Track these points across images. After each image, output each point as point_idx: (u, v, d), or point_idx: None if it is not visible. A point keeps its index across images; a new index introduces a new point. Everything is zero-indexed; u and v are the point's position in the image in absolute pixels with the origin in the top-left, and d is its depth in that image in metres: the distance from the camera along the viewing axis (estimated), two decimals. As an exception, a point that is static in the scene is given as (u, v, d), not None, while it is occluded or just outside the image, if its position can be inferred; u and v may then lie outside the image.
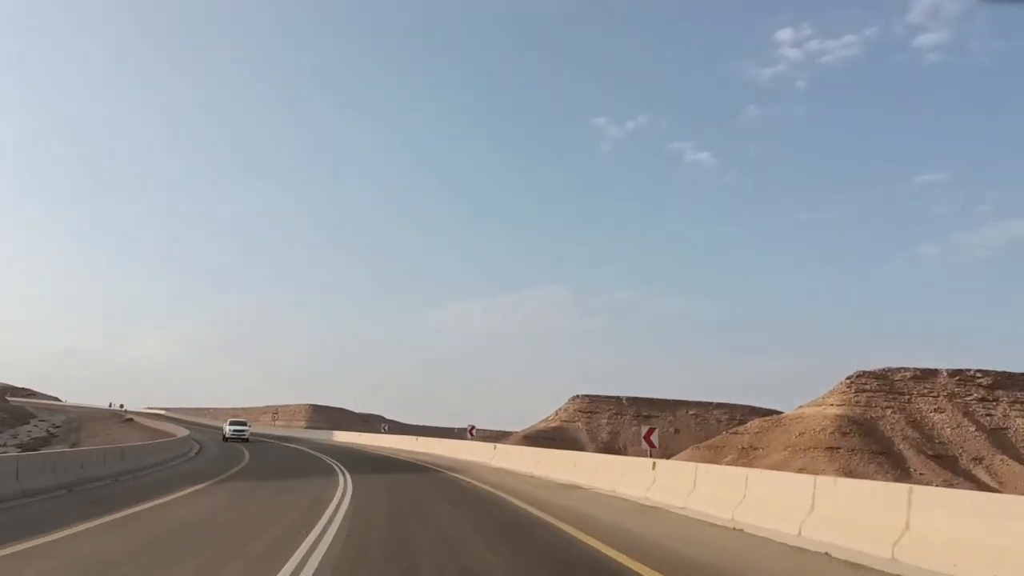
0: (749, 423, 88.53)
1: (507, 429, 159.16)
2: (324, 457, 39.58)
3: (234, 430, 60.12)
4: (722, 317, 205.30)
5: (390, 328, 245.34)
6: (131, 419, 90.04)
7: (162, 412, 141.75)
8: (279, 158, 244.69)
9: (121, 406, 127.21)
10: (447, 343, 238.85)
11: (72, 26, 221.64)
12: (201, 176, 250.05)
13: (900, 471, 69.37)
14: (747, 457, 77.55)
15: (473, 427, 55.80)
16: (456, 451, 47.39)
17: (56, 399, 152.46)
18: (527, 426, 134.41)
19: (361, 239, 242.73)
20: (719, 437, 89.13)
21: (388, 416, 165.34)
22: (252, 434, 66.75)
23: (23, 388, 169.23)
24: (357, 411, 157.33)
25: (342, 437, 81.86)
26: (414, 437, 65.59)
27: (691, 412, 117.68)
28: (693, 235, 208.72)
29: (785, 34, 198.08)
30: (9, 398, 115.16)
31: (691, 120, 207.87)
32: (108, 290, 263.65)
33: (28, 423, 74.80)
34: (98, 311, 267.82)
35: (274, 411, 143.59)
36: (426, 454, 49.90)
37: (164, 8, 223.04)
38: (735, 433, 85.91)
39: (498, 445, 44.89)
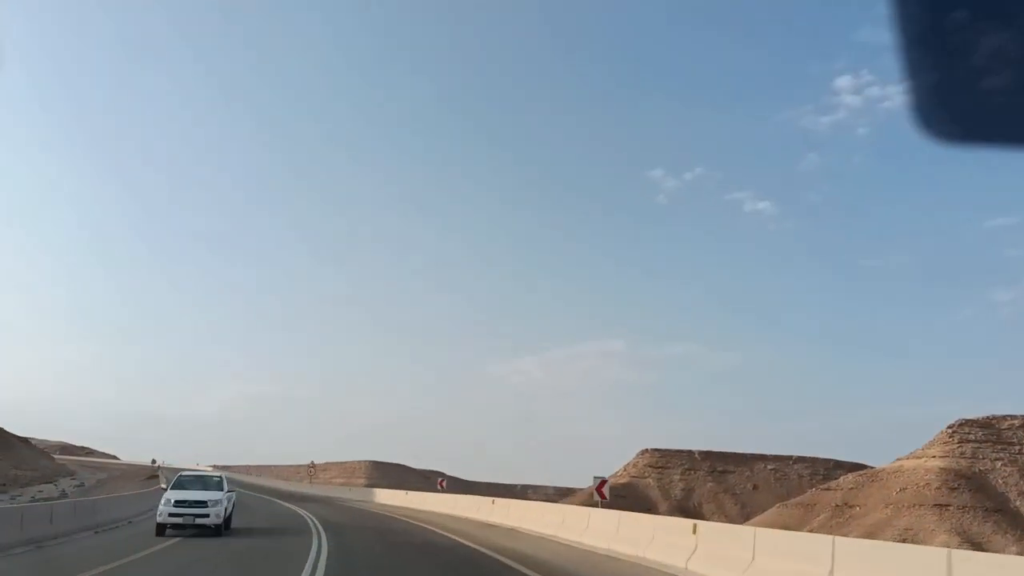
0: (841, 478, 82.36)
1: (572, 486, 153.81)
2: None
3: (179, 507, 22.85)
4: (791, 367, 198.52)
5: (447, 384, 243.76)
6: (155, 475, 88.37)
7: (208, 469, 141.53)
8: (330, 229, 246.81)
9: (153, 462, 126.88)
10: (503, 398, 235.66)
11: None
12: (269, 250, 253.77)
13: (1020, 531, 63.23)
14: (842, 516, 71.77)
15: (442, 480, 53.19)
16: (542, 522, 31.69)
17: (114, 457, 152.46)
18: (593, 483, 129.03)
19: (414, 300, 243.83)
20: (809, 494, 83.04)
21: (449, 472, 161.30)
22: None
23: (82, 447, 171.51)
24: (417, 467, 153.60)
25: (386, 498, 65.54)
26: (476, 497, 49.32)
27: (769, 467, 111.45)
28: (756, 284, 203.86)
29: (844, 81, 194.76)
30: (59, 456, 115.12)
31: (749, 170, 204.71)
32: (175, 353, 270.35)
33: (56, 481, 71.22)
34: (162, 373, 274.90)
35: (311, 466, 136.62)
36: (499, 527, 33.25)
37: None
38: (827, 489, 79.92)
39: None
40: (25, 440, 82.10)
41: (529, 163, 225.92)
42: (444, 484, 60.12)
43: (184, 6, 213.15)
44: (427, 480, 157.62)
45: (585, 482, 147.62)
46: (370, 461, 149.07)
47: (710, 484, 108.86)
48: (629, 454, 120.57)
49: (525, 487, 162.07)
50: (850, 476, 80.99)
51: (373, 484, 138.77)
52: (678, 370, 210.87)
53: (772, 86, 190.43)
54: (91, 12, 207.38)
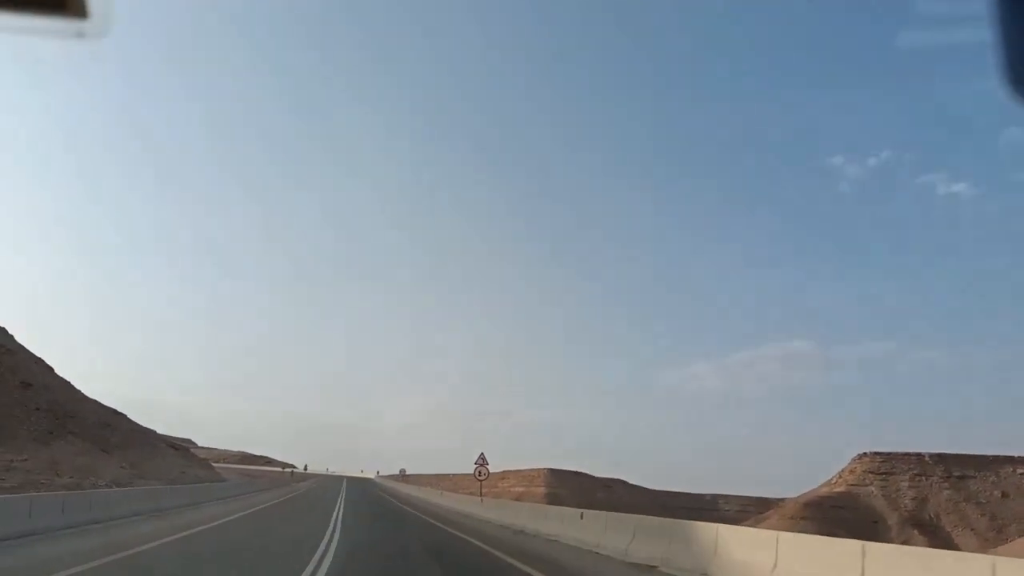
0: None
1: (771, 496, 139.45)
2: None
3: None
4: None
5: (621, 391, 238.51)
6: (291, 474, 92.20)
7: (370, 476, 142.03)
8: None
9: (306, 467, 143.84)
10: (679, 405, 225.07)
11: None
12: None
13: None
14: None
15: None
16: None
17: (292, 466, 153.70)
18: (800, 491, 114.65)
19: (591, 307, 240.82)
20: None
21: (629, 480, 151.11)
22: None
23: (262, 456, 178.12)
24: (597, 475, 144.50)
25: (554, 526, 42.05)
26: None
27: (1020, 471, 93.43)
28: (956, 272, 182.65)
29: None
30: (223, 464, 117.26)
31: (942, 149, 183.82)
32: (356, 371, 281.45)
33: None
34: (346, 392, 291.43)
35: (478, 470, 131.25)
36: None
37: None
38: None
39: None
40: (183, 447, 79.11)
41: (702, 160, 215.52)
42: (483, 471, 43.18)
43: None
44: (608, 488, 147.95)
45: (785, 491, 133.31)
46: (548, 469, 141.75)
47: (947, 492, 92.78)
48: (833, 461, 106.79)
49: (715, 497, 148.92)
50: None
51: (552, 492, 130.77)
52: (875, 369, 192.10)
53: (965, 55, 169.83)
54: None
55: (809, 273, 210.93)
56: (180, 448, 77.64)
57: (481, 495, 44.60)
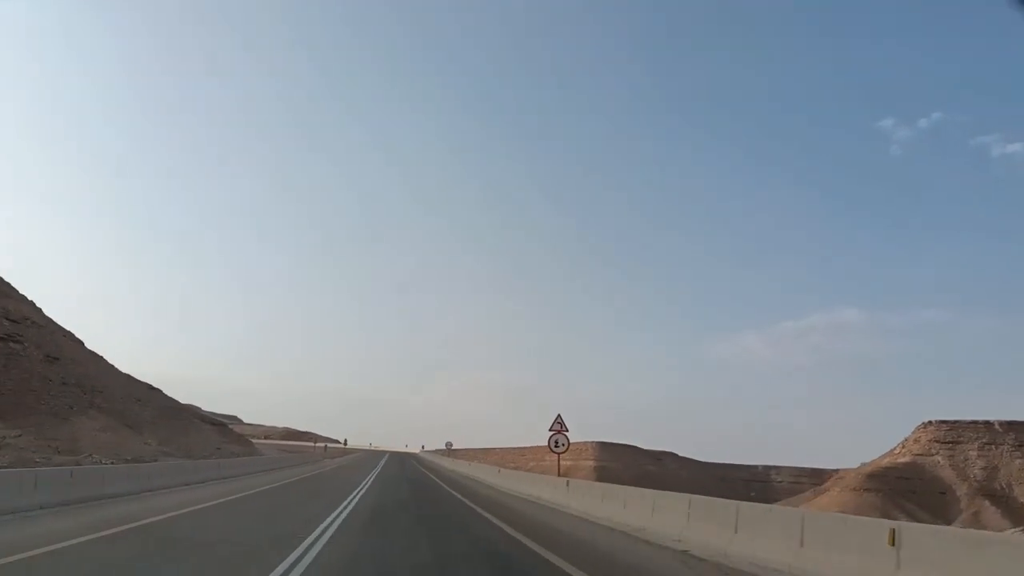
0: None
1: (827, 466, 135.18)
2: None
3: None
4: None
5: (669, 363, 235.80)
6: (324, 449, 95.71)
7: (415, 451, 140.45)
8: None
9: (345, 442, 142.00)
10: (729, 377, 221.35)
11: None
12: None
13: None
14: None
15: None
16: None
17: (336, 441, 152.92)
18: (856, 463, 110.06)
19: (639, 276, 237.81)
20: None
21: (680, 453, 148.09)
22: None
23: (306, 432, 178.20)
24: (646, 448, 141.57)
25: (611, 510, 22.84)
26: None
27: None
28: (1013, 237, 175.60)
29: None
30: (264, 441, 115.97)
31: (997, 110, 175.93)
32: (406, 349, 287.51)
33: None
34: (395, 367, 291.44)
35: (487, 453, 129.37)
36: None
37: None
38: None
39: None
40: (221, 423, 77.72)
41: (746, 120, 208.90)
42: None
43: None
44: (659, 461, 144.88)
45: (838, 462, 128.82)
46: (598, 442, 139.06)
47: (1019, 461, 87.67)
48: (888, 431, 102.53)
49: (767, 468, 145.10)
50: None
51: (601, 465, 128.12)
52: (928, 338, 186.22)
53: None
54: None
55: (857, 239, 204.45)
56: (218, 424, 76.18)
57: (560, 474, 34.70)
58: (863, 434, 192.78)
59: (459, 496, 29.26)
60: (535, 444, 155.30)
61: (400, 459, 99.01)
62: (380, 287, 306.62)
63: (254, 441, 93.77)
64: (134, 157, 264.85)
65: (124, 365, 61.26)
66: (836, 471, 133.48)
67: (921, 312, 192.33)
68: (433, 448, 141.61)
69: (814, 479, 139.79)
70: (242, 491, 25.24)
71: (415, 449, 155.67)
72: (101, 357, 55.45)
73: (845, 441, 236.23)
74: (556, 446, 31.32)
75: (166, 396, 63.83)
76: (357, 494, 25.73)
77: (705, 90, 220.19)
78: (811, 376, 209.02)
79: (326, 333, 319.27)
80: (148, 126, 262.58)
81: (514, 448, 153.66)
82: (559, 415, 31.63)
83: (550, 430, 31.33)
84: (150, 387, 61.88)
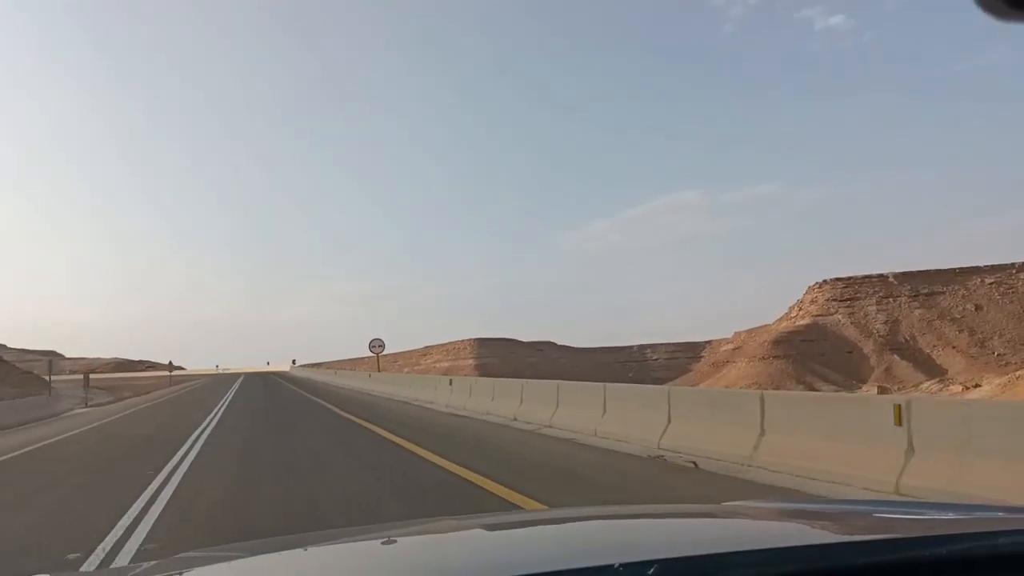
0: None
1: (699, 339, 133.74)
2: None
3: None
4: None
5: (526, 255, 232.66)
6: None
7: (283, 369, 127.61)
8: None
9: (216, 367, 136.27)
10: (589, 262, 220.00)
11: None
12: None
13: None
14: None
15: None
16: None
17: (181, 368, 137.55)
18: (734, 332, 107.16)
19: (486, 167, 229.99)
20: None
21: (559, 342, 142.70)
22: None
23: (141, 361, 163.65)
24: (525, 340, 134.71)
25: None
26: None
27: (988, 280, 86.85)
28: (839, 108, 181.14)
29: None
30: (98, 375, 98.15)
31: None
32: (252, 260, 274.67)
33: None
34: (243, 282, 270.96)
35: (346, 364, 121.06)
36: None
37: None
38: None
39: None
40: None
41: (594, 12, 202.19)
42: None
43: None
44: (540, 351, 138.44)
45: (713, 334, 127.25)
46: (475, 339, 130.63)
47: (918, 311, 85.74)
48: (752, 301, 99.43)
49: (642, 347, 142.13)
50: None
51: (482, 363, 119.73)
52: (762, 210, 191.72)
53: None
54: None
55: (692, 121, 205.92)
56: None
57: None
58: (727, 305, 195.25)
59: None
60: (407, 348, 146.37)
61: (263, 380, 77.89)
62: (211, 205, 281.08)
63: (74, 376, 77.51)
64: None
65: None
66: (708, 342, 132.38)
67: (756, 187, 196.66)
68: (304, 363, 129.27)
69: (688, 353, 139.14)
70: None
71: (284, 367, 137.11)
72: None
73: (711, 313, 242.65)
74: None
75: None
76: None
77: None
78: (662, 256, 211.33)
79: (152, 252, 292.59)
80: None
81: (386, 356, 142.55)
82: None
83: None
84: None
